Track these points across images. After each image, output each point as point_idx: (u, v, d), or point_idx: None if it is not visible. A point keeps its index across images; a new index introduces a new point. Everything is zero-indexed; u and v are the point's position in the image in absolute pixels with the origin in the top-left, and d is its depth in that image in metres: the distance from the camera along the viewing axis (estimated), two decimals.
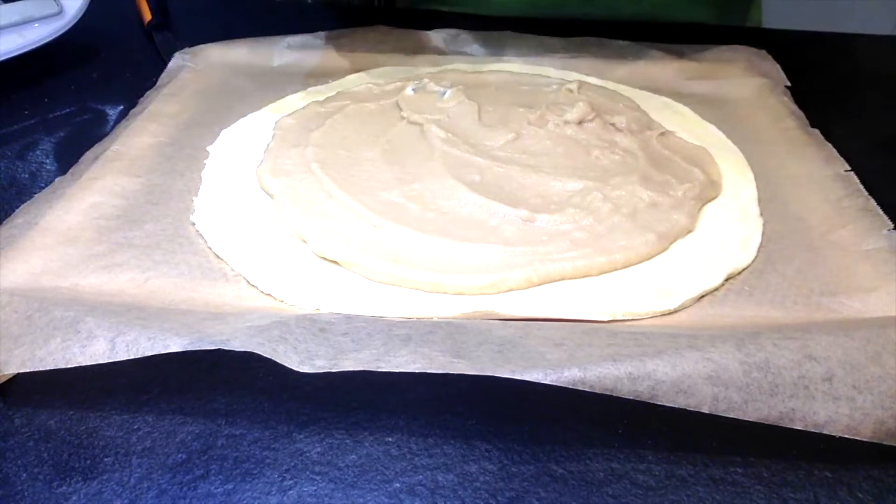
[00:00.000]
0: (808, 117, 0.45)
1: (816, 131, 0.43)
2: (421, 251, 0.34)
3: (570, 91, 0.47)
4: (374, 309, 0.31)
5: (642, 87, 0.50)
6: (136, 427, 0.27)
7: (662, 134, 0.43)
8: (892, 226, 0.34)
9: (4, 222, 0.35)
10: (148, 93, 0.48)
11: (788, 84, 0.49)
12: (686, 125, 0.45)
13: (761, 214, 0.37)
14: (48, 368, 0.27)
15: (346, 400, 0.28)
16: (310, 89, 0.50)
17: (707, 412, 0.25)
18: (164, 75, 0.50)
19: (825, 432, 0.25)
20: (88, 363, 0.27)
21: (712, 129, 0.45)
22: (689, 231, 0.36)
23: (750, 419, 0.25)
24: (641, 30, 0.56)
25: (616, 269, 0.33)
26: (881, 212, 0.35)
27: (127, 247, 0.35)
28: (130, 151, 0.41)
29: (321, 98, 0.48)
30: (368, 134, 0.43)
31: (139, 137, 0.43)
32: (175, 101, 0.47)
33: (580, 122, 0.43)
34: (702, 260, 0.34)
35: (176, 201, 0.38)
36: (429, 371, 0.25)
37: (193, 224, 0.36)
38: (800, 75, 0.50)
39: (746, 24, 0.67)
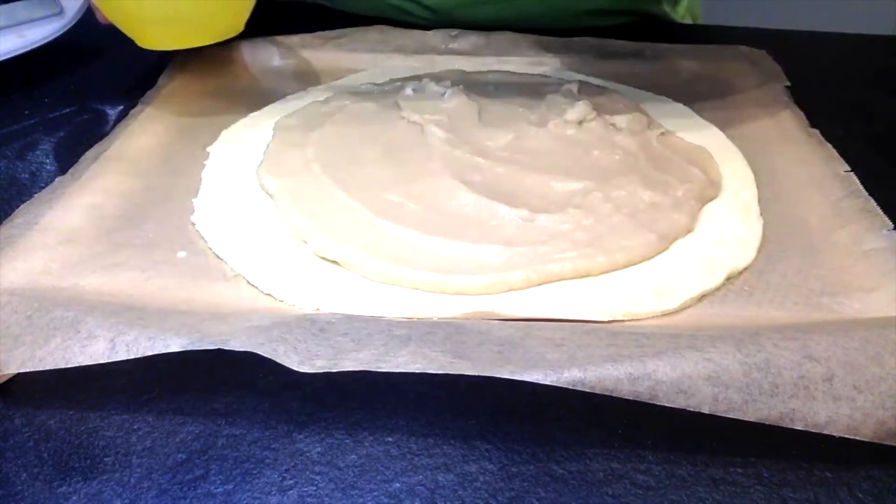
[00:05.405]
0: (808, 117, 0.45)
1: (816, 131, 0.43)
2: (421, 251, 0.34)
3: (570, 91, 0.47)
4: (374, 309, 0.31)
5: (642, 87, 0.50)
6: (136, 427, 0.27)
7: (662, 134, 0.43)
8: (892, 226, 0.34)
9: (4, 222, 0.35)
10: (148, 93, 0.48)
11: (788, 84, 0.49)
12: (686, 125, 0.45)
13: (761, 214, 0.37)
14: (48, 368, 0.27)
15: (346, 400, 0.28)
16: (310, 89, 0.50)
17: (707, 412, 0.25)
18: (164, 75, 0.50)
19: (826, 432, 0.25)
20: (88, 363, 0.27)
21: (712, 129, 0.45)
22: (690, 231, 0.36)
23: (750, 419, 0.25)
24: (640, 29, 0.56)
25: (616, 269, 0.33)
26: (881, 212, 0.35)
27: (127, 247, 0.34)
28: (130, 151, 0.41)
29: (321, 98, 0.48)
30: (368, 134, 0.43)
31: (139, 137, 0.43)
32: (175, 101, 0.47)
33: (580, 122, 0.43)
34: (702, 260, 0.34)
35: (176, 201, 0.38)
36: (429, 371, 0.25)
37: (193, 224, 0.36)
38: (800, 75, 0.50)
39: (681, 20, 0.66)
